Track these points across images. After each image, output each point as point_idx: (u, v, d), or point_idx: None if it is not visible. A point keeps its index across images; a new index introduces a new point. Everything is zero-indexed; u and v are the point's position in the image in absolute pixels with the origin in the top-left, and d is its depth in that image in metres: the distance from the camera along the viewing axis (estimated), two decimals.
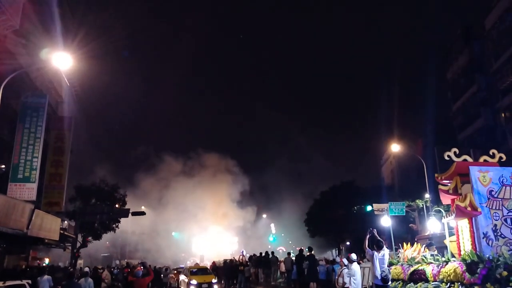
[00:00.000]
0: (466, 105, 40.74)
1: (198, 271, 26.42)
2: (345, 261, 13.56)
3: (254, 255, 29.47)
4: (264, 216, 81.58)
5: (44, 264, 30.66)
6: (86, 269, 18.23)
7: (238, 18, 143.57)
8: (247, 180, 72.14)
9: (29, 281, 14.35)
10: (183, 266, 40.89)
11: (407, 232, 34.72)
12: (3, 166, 22.51)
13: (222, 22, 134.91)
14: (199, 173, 69.09)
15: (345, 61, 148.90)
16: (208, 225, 70.43)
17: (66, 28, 32.22)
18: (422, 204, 30.58)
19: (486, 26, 36.68)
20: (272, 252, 28.55)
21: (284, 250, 61.52)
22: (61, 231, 25.38)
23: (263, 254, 27.70)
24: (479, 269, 9.99)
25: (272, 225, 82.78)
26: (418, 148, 45.12)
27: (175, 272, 33.40)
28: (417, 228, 32.96)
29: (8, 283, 12.43)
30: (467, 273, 10.37)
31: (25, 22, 22.39)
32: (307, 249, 20.48)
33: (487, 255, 10.30)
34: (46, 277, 15.86)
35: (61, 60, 17.50)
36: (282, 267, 26.25)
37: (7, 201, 17.35)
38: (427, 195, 29.61)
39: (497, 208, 11.35)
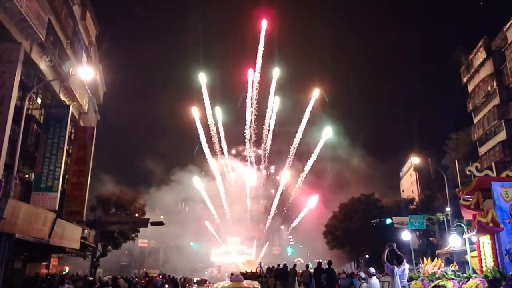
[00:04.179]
0: (487, 118, 40.22)
1: None
2: (362, 274, 13.47)
3: (273, 267, 29.32)
4: (282, 227, 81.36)
5: (64, 273, 31.01)
6: (106, 278, 18.40)
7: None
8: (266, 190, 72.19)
9: None
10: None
11: (427, 246, 34.24)
12: (26, 175, 22.94)
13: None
14: (218, 183, 69.16)
15: (362, 73, 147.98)
16: (226, 236, 70.52)
17: (90, 40, 32.94)
18: (443, 218, 30.14)
19: (509, 39, 36.34)
20: (294, 265, 28.03)
21: (302, 261, 61.03)
22: (82, 240, 25.71)
23: (281, 266, 27.53)
24: (501, 286, 9.84)
25: (290, 237, 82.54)
26: (439, 162, 44.52)
27: None
28: (437, 242, 32.50)
29: None
30: None
31: (50, 34, 22.91)
32: (325, 262, 20.31)
33: (510, 272, 10.14)
34: (67, 286, 16.10)
35: (84, 72, 17.96)
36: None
37: (30, 210, 17.70)
38: (448, 209, 29.21)
39: None
